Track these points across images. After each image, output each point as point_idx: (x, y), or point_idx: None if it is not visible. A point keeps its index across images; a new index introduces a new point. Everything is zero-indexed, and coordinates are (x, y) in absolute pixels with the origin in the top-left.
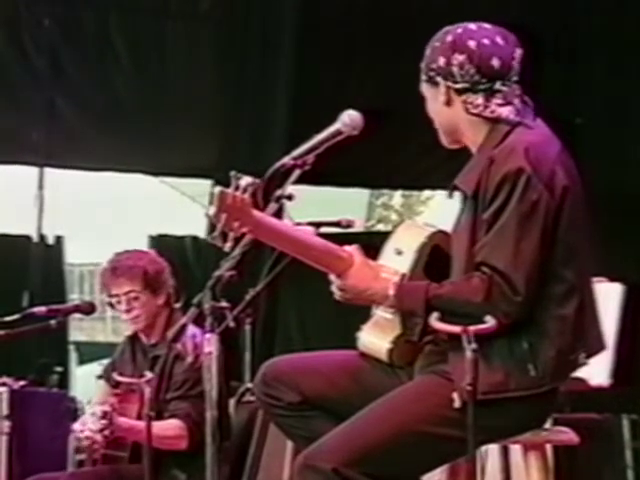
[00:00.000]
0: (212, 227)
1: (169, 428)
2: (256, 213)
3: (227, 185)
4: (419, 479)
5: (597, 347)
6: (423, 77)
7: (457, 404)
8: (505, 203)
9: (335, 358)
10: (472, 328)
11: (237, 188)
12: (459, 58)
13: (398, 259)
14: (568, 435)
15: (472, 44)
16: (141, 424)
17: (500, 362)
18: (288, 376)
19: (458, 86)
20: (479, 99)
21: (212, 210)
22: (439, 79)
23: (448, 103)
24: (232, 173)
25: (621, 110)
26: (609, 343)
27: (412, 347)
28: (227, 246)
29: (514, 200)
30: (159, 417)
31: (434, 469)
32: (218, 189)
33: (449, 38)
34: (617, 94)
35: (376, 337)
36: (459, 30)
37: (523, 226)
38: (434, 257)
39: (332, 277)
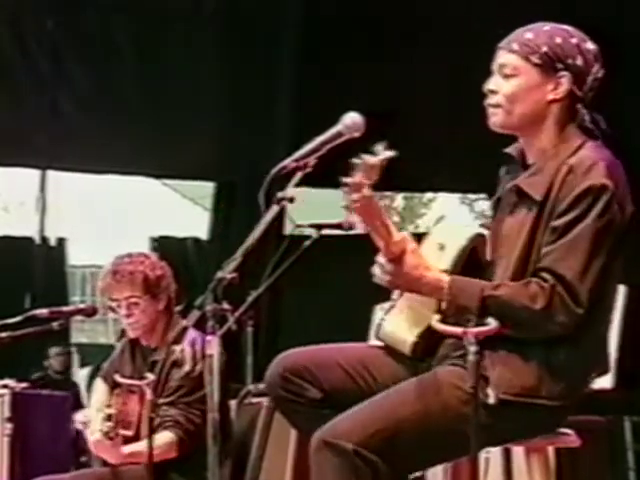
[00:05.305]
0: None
1: (156, 440)
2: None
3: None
4: (428, 468)
5: (606, 367)
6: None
7: (492, 400)
8: (583, 215)
9: (352, 351)
10: (473, 330)
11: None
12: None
13: (439, 254)
14: (570, 437)
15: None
16: (139, 447)
17: (536, 367)
18: (308, 371)
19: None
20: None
21: (357, 177)
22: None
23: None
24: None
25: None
26: (612, 345)
27: (436, 341)
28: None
29: (593, 214)
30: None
31: (447, 462)
32: (367, 157)
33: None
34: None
35: (401, 328)
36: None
37: (597, 242)
38: (470, 259)
39: (381, 259)
